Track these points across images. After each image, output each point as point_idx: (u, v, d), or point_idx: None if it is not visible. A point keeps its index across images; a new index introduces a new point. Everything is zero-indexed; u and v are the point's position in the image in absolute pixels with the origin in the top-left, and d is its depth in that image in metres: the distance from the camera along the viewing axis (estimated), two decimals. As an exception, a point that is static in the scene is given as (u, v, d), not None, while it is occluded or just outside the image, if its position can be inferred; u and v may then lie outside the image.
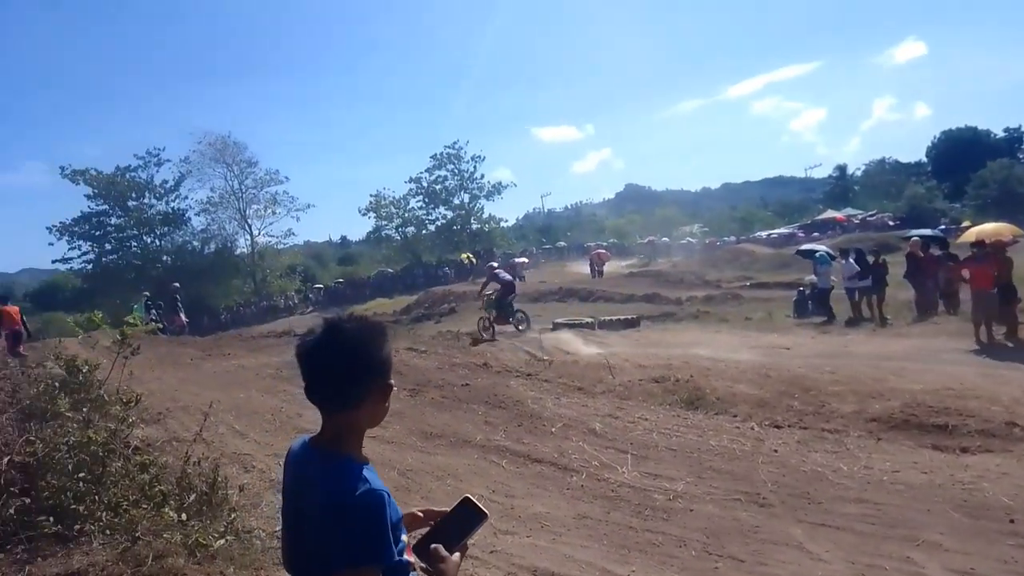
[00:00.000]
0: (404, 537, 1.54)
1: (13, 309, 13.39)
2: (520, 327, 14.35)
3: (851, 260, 15.31)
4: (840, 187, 74.52)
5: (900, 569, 3.99)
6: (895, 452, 5.99)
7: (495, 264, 19.64)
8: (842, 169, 77.51)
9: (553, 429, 6.91)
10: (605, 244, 53.81)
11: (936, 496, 4.95)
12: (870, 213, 55.60)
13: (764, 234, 53.75)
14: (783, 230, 54.90)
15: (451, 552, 1.51)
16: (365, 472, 1.46)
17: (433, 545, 1.52)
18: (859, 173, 78.47)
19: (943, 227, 34.85)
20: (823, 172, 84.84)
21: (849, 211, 56.49)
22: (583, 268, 39.28)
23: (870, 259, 15.19)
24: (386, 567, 1.40)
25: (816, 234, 46.95)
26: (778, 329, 14.76)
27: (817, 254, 17.07)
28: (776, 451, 6.12)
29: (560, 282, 31.43)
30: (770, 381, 8.59)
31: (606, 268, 36.50)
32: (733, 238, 54.35)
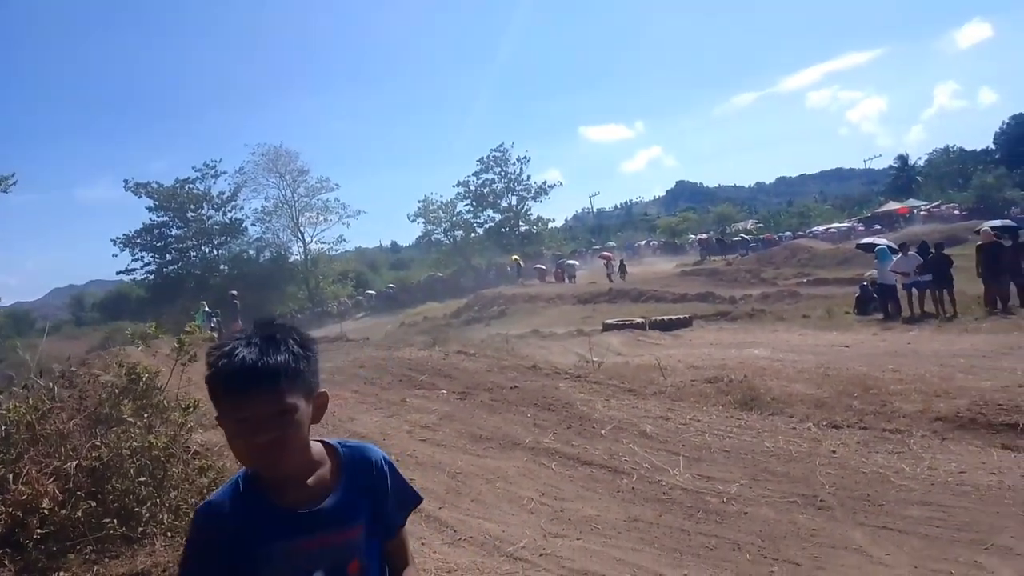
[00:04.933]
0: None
1: None
2: None
3: (912, 253, 14.76)
4: (902, 178, 71.96)
5: (969, 575, 3.81)
6: (962, 452, 5.72)
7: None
8: (903, 159, 74.76)
9: (603, 431, 6.84)
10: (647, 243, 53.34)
11: (1006, 498, 4.71)
12: (935, 204, 53.47)
13: (822, 229, 52.21)
14: (842, 224, 53.25)
15: None
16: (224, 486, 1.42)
17: None
18: (922, 163, 75.58)
19: (1013, 216, 33.26)
20: (883, 163, 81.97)
21: (912, 202, 54.42)
22: (633, 268, 38.95)
23: (932, 252, 14.63)
24: None
25: (878, 227, 45.48)
26: (838, 327, 14.35)
27: (877, 248, 16.49)
28: (835, 452, 5.93)
29: (614, 282, 31.23)
30: (829, 380, 8.34)
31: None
32: (789, 234, 52.99)
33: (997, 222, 20.21)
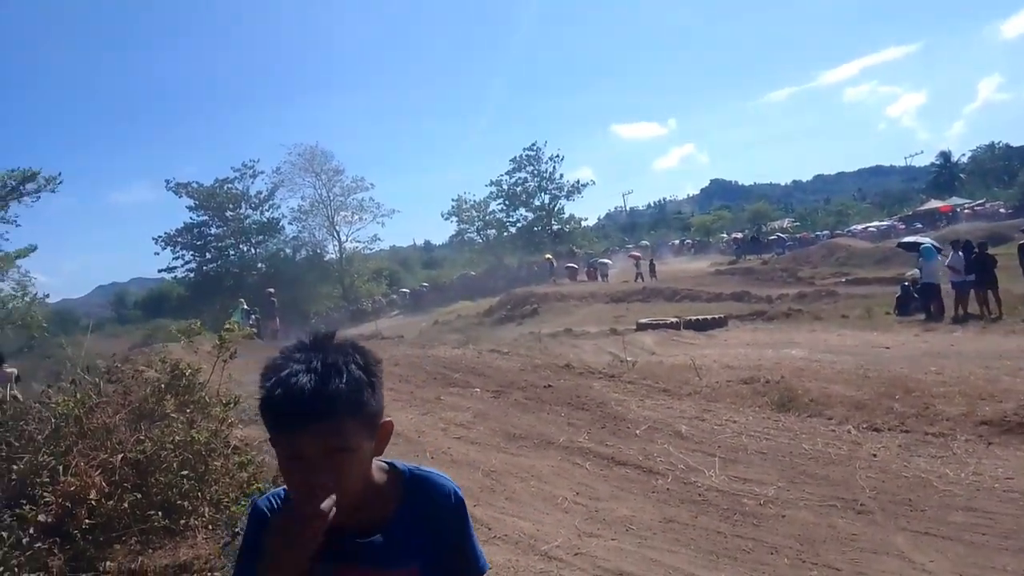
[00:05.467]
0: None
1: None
2: None
3: (958, 253, 14.40)
4: (945, 175, 70.06)
5: (1016, 584, 3.71)
6: (1008, 457, 5.57)
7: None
8: (946, 156, 72.77)
9: (637, 431, 6.81)
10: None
11: (1057, 506, 4.58)
12: (979, 202, 52.00)
13: (861, 227, 51.17)
14: (881, 223, 52.12)
15: None
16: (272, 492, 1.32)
17: None
18: (965, 160, 73.53)
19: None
20: (925, 160, 79.99)
21: (955, 200, 52.98)
22: (667, 267, 38.67)
23: (975, 251, 14.26)
24: None
25: (919, 226, 44.40)
26: (878, 327, 14.05)
27: (922, 247, 16.10)
28: (875, 455, 5.82)
29: (644, 281, 31.02)
30: (869, 382, 8.17)
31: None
32: (827, 232, 52.03)
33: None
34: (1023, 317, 12.85)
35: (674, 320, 15.88)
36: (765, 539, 4.47)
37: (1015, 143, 72.72)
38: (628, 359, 10.45)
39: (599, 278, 36.15)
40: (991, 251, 14.63)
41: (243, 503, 4.35)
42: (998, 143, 73.43)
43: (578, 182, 54.80)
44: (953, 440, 6.02)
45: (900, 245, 21.98)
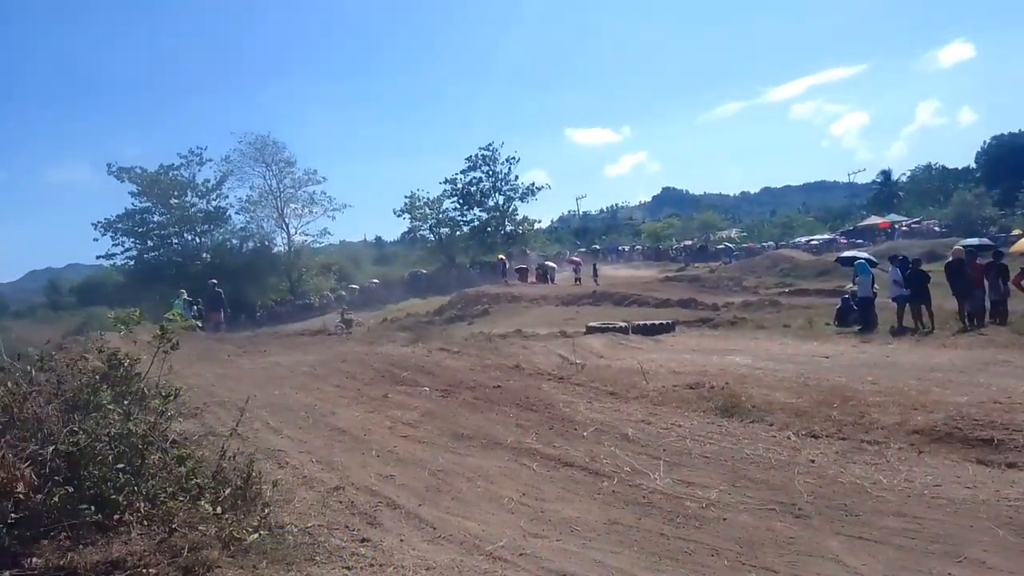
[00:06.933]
0: None
1: None
2: None
3: (895, 268, 14.97)
4: (884, 193, 72.92)
5: (942, 587, 3.86)
6: (937, 465, 5.81)
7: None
8: (886, 174, 75.76)
9: (585, 433, 6.87)
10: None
11: (980, 512, 4.79)
12: (915, 220, 54.26)
13: (804, 240, 52.81)
14: (824, 236, 53.89)
15: None
16: None
17: None
18: (904, 179, 76.68)
19: (991, 235, 33.92)
20: (867, 177, 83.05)
21: (894, 217, 55.19)
22: (617, 272, 39.20)
23: (911, 267, 14.83)
24: None
25: (859, 241, 46.01)
26: (818, 337, 14.47)
27: (856, 262, 16.70)
28: (813, 461, 5.99)
29: (593, 285, 31.33)
30: (808, 390, 8.42)
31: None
32: (772, 243, 53.50)
33: (974, 240, 20.57)
34: (954, 332, 13.41)
35: (623, 324, 16.04)
36: (706, 541, 4.55)
37: (950, 165, 76.43)
38: (577, 362, 10.53)
39: (548, 280, 36.40)
40: (925, 268, 15.24)
41: (180, 498, 4.22)
42: (935, 164, 76.95)
43: (533, 184, 54.95)
44: (887, 448, 6.25)
45: (838, 260, 22.75)
